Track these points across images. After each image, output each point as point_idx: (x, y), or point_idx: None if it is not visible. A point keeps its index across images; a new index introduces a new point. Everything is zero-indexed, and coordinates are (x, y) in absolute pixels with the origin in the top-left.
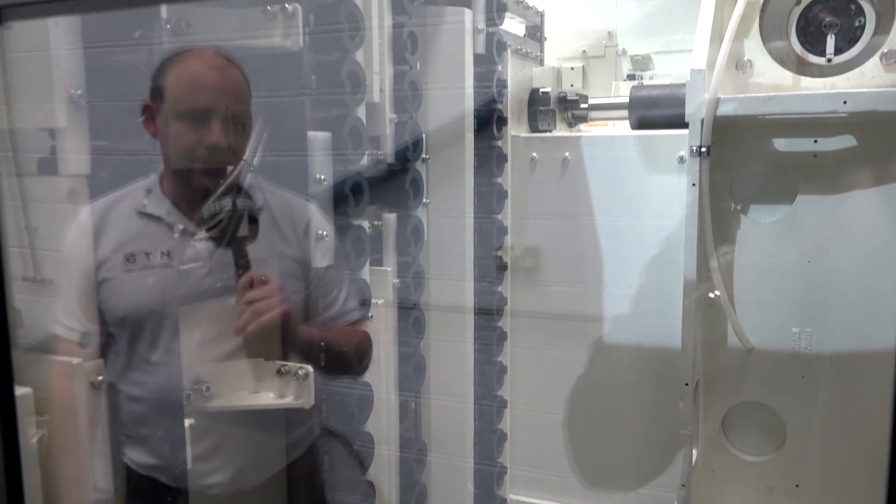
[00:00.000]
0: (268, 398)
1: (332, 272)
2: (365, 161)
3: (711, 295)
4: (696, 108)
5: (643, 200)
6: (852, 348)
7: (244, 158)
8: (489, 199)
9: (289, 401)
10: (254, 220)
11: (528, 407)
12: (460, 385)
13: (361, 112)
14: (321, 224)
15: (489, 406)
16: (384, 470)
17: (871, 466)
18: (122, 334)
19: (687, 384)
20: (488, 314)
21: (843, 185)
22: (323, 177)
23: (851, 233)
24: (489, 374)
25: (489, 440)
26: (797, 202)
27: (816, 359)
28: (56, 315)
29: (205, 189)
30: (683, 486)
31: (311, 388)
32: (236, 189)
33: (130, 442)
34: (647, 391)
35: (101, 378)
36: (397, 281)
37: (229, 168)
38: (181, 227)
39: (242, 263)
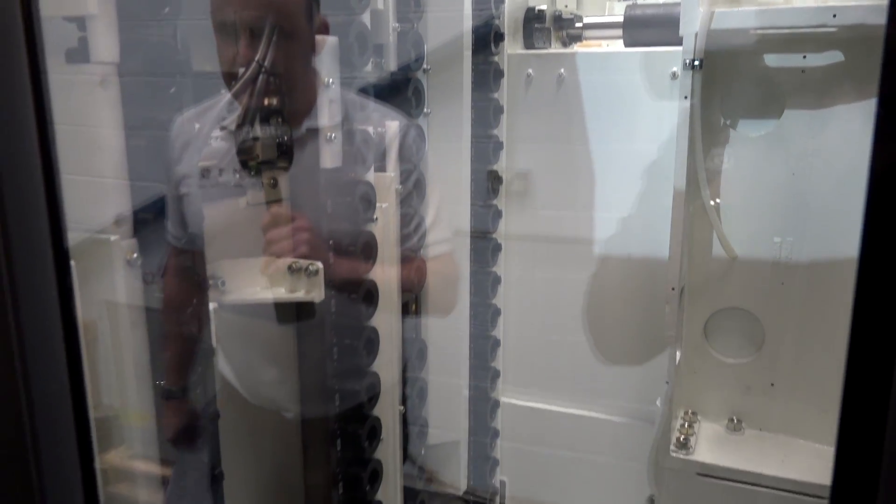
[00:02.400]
0: (279, 293)
1: (413, 200)
2: (370, 68)
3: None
4: (690, 22)
5: (636, 123)
6: (829, 257)
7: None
8: (486, 113)
9: (300, 295)
10: (287, 149)
11: (520, 315)
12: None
13: (366, 18)
14: (406, 148)
15: (483, 311)
16: (388, 366)
17: (840, 367)
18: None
19: (673, 289)
20: (484, 225)
21: (828, 101)
22: (331, 80)
23: (834, 146)
24: (484, 283)
25: (483, 345)
26: (784, 117)
27: (796, 267)
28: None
29: (252, 108)
30: (667, 382)
31: (322, 284)
32: (274, 112)
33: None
34: (634, 301)
35: (135, 255)
36: (400, 187)
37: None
38: None
39: (271, 196)
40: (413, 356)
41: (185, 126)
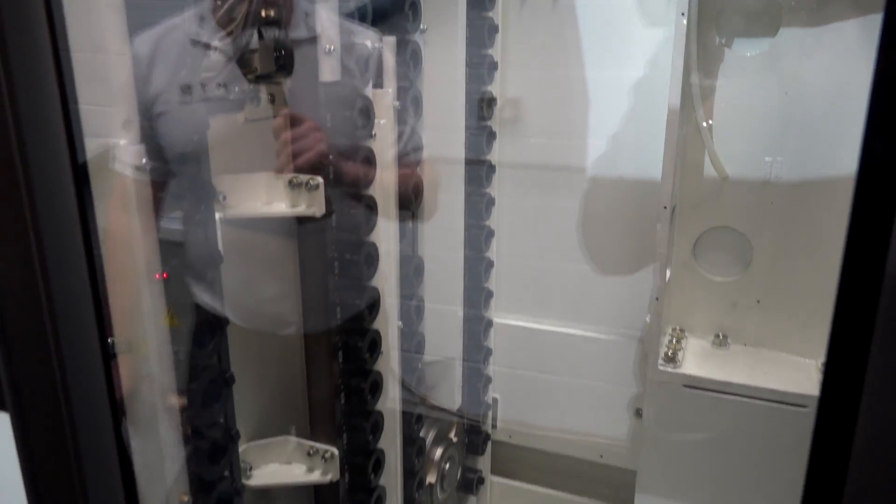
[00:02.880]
0: (280, 208)
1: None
2: None
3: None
4: None
5: (630, 48)
6: (817, 176)
7: None
8: (481, 32)
9: (301, 209)
10: (286, 62)
11: (513, 237)
12: (451, 215)
13: None
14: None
15: (477, 233)
16: (387, 280)
17: (824, 285)
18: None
19: (665, 207)
20: (479, 146)
21: (824, 17)
22: None
23: (828, 65)
24: (478, 205)
25: (477, 266)
26: (779, 35)
27: (785, 186)
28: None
29: (250, 18)
30: (657, 299)
31: (322, 198)
32: (272, 19)
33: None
34: (625, 221)
35: (144, 161)
36: (397, 103)
37: None
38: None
39: (271, 112)
40: (410, 273)
41: (152, 42)
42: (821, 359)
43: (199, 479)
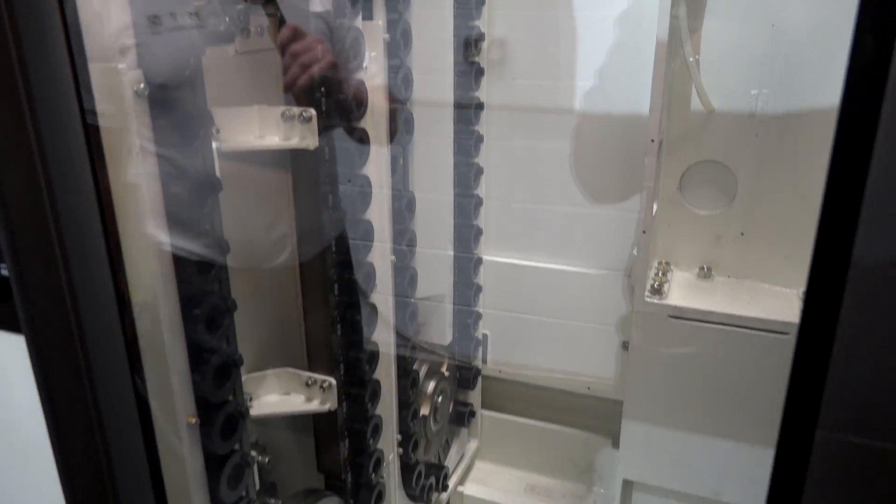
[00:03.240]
0: (273, 141)
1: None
2: None
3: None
4: None
5: None
6: (801, 108)
7: None
8: None
9: (294, 142)
10: None
11: (500, 178)
12: (440, 152)
13: None
14: None
15: (466, 171)
16: (379, 214)
17: (807, 217)
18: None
19: (653, 140)
20: (467, 83)
21: None
22: None
23: None
24: (467, 142)
25: (467, 204)
26: None
27: (770, 119)
28: None
29: None
30: (644, 232)
31: (315, 131)
32: None
33: None
34: (612, 157)
35: (142, 85)
36: (387, 36)
37: None
38: None
39: (261, 44)
40: (403, 207)
41: None
42: (802, 288)
43: (205, 402)
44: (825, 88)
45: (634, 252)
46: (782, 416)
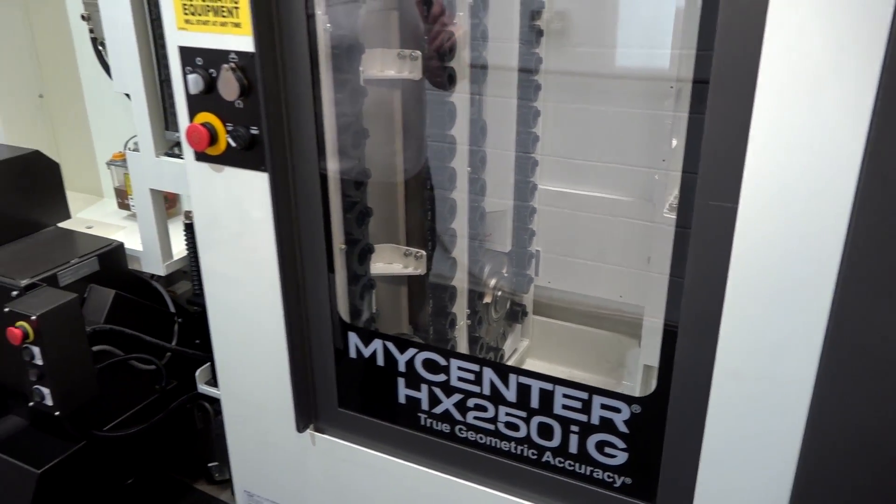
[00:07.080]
0: (390, 73)
1: None
2: None
3: None
4: None
5: None
6: None
7: None
8: None
9: (405, 74)
10: None
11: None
12: (504, 99)
13: None
14: None
15: (526, 112)
16: (460, 132)
17: None
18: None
19: (671, 87)
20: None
21: None
22: None
23: None
24: (527, 90)
25: (525, 139)
26: None
27: None
28: None
29: None
30: (663, 161)
31: (420, 66)
32: None
33: None
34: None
35: (328, 26)
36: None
37: None
38: None
39: None
40: (477, 131)
41: None
42: None
43: (350, 236)
44: None
45: (656, 178)
46: None
